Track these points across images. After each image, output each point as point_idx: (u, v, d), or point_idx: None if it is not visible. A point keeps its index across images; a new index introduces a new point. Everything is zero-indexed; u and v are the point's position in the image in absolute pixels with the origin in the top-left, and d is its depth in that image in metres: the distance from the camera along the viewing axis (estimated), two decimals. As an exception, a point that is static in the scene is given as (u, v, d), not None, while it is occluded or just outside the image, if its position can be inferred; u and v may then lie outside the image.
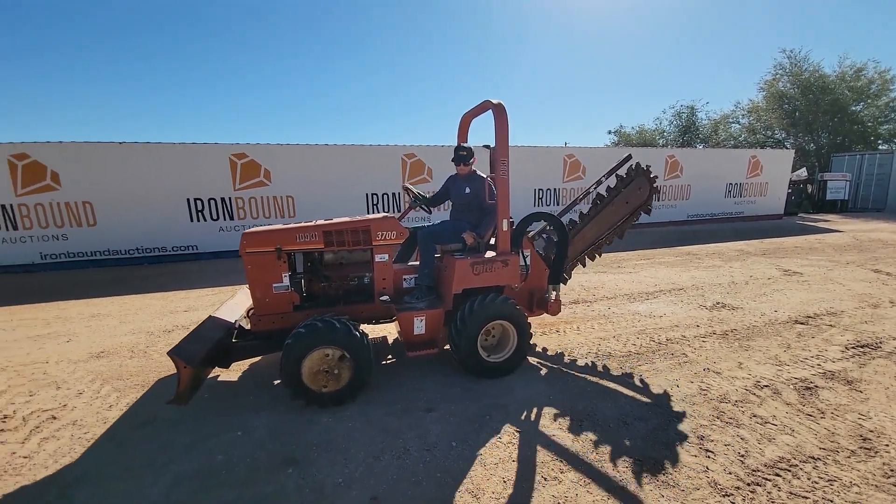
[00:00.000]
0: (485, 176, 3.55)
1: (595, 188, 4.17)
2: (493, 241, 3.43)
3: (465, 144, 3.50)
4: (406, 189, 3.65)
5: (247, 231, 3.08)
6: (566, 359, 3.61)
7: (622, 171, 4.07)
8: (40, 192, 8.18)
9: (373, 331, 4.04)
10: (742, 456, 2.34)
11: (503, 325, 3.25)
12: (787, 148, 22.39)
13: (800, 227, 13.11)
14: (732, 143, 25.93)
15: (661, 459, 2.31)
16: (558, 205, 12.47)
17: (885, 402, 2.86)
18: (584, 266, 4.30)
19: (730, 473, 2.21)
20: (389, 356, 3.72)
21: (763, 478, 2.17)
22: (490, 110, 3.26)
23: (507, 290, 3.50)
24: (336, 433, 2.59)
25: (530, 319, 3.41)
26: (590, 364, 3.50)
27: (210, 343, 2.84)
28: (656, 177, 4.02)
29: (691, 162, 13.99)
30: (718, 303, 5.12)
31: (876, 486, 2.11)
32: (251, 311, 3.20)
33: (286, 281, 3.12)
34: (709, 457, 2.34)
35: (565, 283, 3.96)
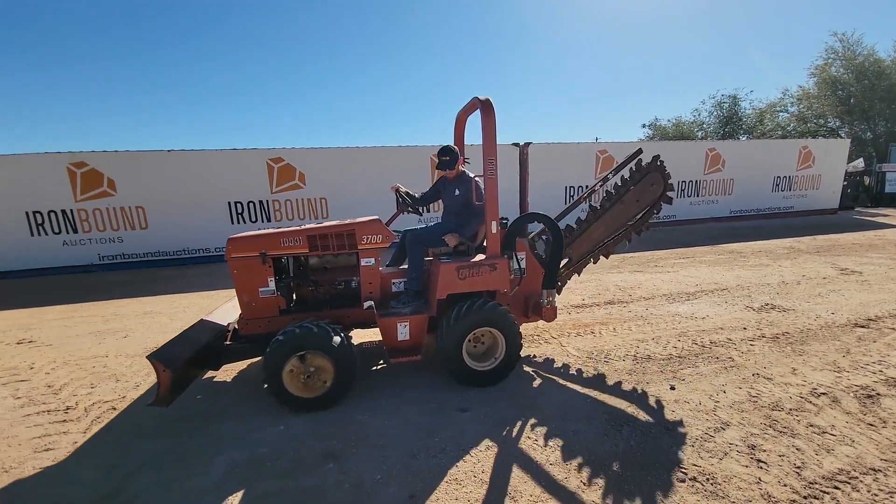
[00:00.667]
0: (472, 176, 3.45)
1: (601, 185, 3.97)
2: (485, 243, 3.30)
3: (449, 146, 3.39)
4: (395, 190, 3.56)
5: (232, 236, 3.11)
6: (602, 361, 3.51)
7: (632, 166, 3.81)
8: (98, 197, 8.82)
9: (371, 335, 4.06)
10: (798, 467, 2.20)
11: (492, 332, 3.13)
12: (841, 137, 20.78)
13: (857, 222, 12.14)
14: (780, 133, 24.35)
15: (709, 469, 2.21)
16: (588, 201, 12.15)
17: (963, 415, 2.61)
18: (594, 262, 3.97)
19: (784, 486, 2.08)
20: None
21: (821, 490, 2.04)
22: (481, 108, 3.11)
23: (499, 295, 3.34)
24: (372, 430, 2.64)
25: (528, 325, 3.32)
26: (628, 367, 3.39)
27: (195, 346, 2.87)
28: (668, 173, 3.66)
29: (734, 154, 13.25)
30: (767, 304, 4.83)
31: (955, 506, 1.93)
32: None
33: (272, 285, 3.12)
34: (761, 468, 2.21)
35: (558, 290, 3.67)
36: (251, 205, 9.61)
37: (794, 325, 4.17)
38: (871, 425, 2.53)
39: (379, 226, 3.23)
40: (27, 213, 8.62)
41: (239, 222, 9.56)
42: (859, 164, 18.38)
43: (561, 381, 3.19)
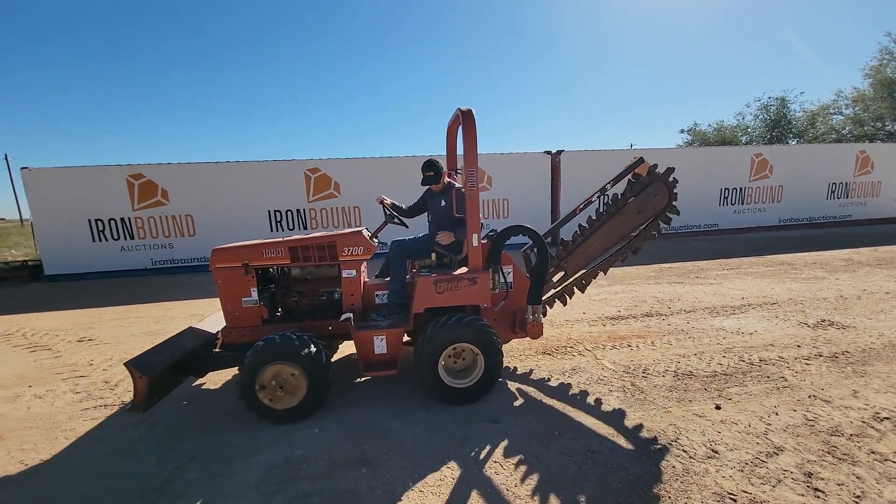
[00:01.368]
0: (457, 185, 3.40)
1: (598, 196, 3.73)
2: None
3: (432, 160, 3.36)
4: (381, 202, 3.54)
5: (216, 248, 3.16)
6: (640, 376, 3.38)
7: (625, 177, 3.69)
8: (152, 206, 9.49)
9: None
10: (857, 497, 2.02)
11: (471, 348, 3.01)
12: (904, 140, 19.19)
13: (928, 232, 11.10)
14: (834, 136, 22.76)
15: (760, 497, 2.07)
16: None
17: None
18: (594, 278, 3.76)
19: (847, 519, 1.91)
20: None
21: (891, 528, 1.86)
22: (479, 119, 3.01)
23: (485, 310, 3.23)
24: (404, 438, 2.66)
25: (561, 336, 3.21)
26: (668, 383, 3.24)
27: (177, 354, 2.91)
28: (676, 180, 3.48)
29: (783, 160, 12.51)
30: (824, 320, 4.49)
31: None
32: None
33: (254, 295, 3.15)
34: (818, 497, 2.05)
35: (551, 305, 3.53)
36: (289, 213, 10.02)
37: (855, 343, 3.85)
38: (949, 457, 2.29)
39: (360, 237, 3.20)
40: (90, 220, 9.38)
41: (278, 230, 9.98)
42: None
43: (595, 395, 3.09)
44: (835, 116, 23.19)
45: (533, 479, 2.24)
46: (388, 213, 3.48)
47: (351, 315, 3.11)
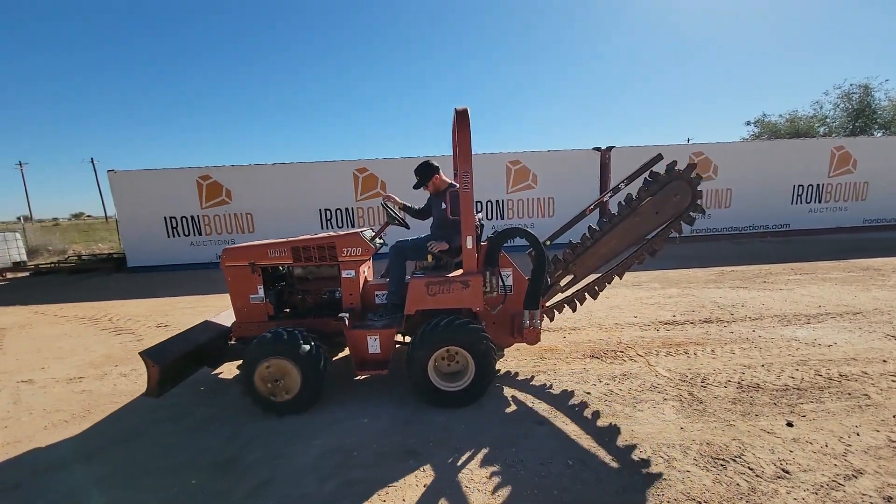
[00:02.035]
0: (452, 185, 3.28)
1: (610, 197, 3.49)
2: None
3: (421, 164, 3.39)
4: (384, 204, 3.54)
5: (227, 247, 3.34)
6: (699, 385, 3.19)
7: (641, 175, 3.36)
8: (218, 205, 10.28)
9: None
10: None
11: (462, 352, 2.95)
12: None
13: None
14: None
15: (838, 523, 1.89)
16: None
17: None
18: (608, 283, 3.55)
19: (949, 559, 1.70)
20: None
21: None
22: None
23: (483, 314, 3.18)
24: (451, 433, 2.70)
25: (610, 340, 3.06)
26: (731, 395, 3.03)
27: (190, 345, 3.12)
28: (699, 178, 3.23)
29: (868, 153, 11.22)
30: (919, 334, 3.99)
31: None
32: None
33: (261, 293, 3.29)
34: (912, 531, 1.83)
35: (537, 310, 3.20)
36: (338, 212, 10.45)
37: (960, 362, 3.38)
38: None
39: (358, 239, 3.26)
40: (165, 217, 10.33)
41: (327, 227, 10.44)
42: None
43: (649, 404, 2.96)
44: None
45: (583, 485, 2.19)
46: (389, 214, 3.50)
47: (346, 314, 3.16)
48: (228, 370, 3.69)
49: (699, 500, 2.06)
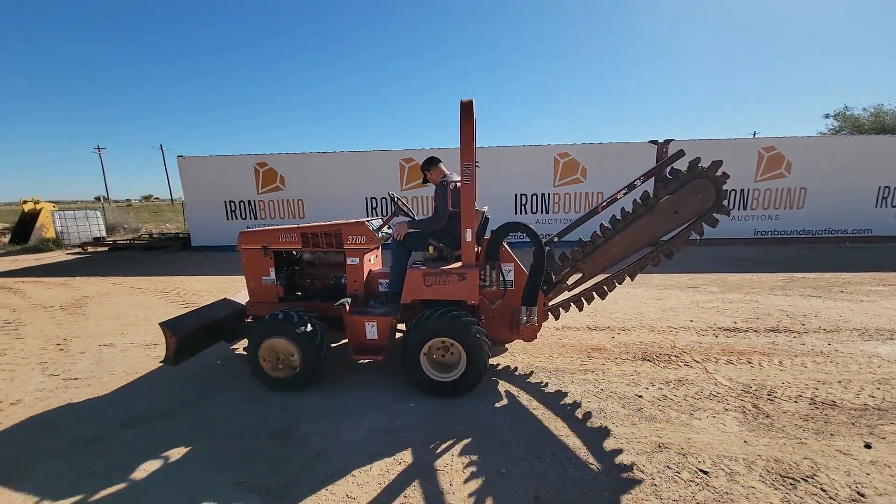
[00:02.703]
0: (451, 181, 3.21)
1: (625, 194, 3.25)
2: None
3: (430, 156, 3.42)
4: (391, 197, 3.53)
5: (242, 231, 3.50)
6: (765, 398, 2.96)
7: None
8: (272, 191, 10.81)
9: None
10: None
11: (456, 343, 2.93)
12: None
13: None
14: None
15: (933, 561, 1.69)
16: (744, 208, 10.33)
17: None
18: (619, 283, 3.37)
19: None
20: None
21: None
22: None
23: (482, 307, 3.20)
24: (495, 423, 2.70)
25: (663, 344, 2.88)
26: (803, 411, 2.79)
27: (207, 321, 3.33)
28: (726, 176, 2.96)
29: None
30: None
31: None
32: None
33: (272, 275, 3.45)
34: None
35: (534, 307, 3.15)
36: (384, 200, 10.65)
37: None
38: None
39: (363, 228, 3.31)
40: (225, 202, 11.01)
41: (371, 215, 10.69)
42: None
43: (707, 413, 2.79)
44: None
45: (637, 490, 2.11)
46: (394, 205, 3.52)
47: (347, 300, 3.21)
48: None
49: (766, 518, 1.92)
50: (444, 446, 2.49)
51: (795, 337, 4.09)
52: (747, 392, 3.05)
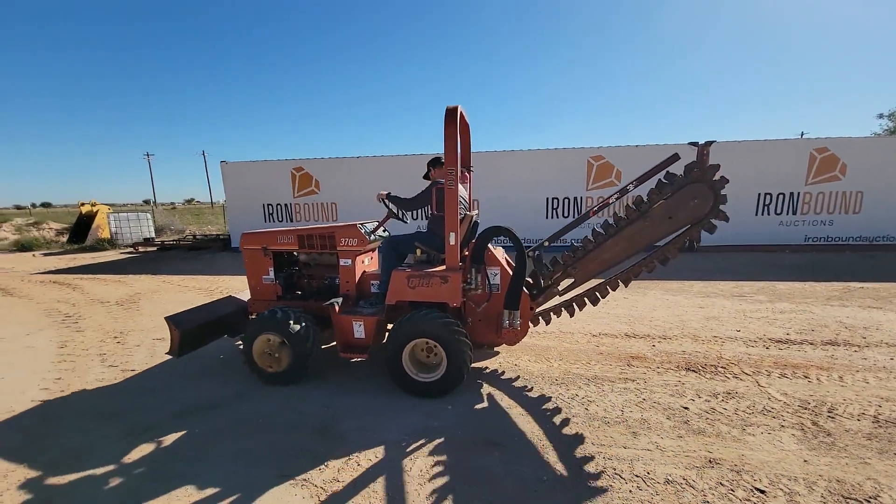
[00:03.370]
0: (438, 184, 3.20)
1: (617, 199, 3.20)
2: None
3: (434, 157, 3.49)
4: (381, 200, 3.52)
5: (244, 232, 3.68)
6: (825, 415, 2.77)
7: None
8: (308, 195, 11.14)
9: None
10: None
11: (435, 344, 2.99)
12: None
13: None
14: None
15: None
16: (793, 213, 9.75)
17: None
18: (612, 289, 3.28)
19: None
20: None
21: None
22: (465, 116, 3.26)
23: (468, 310, 3.27)
24: (531, 429, 2.66)
25: (708, 353, 2.73)
26: (865, 429, 2.59)
27: (212, 316, 3.52)
28: (724, 181, 2.90)
29: None
30: None
31: None
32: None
33: (271, 274, 3.63)
34: None
35: (517, 311, 3.15)
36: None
37: None
38: None
39: (355, 230, 3.43)
40: (264, 204, 11.45)
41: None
42: None
43: (762, 429, 2.64)
44: None
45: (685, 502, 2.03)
46: (388, 208, 3.53)
47: (338, 300, 3.33)
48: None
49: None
50: (482, 451, 2.47)
51: (856, 351, 3.81)
52: (805, 408, 2.86)
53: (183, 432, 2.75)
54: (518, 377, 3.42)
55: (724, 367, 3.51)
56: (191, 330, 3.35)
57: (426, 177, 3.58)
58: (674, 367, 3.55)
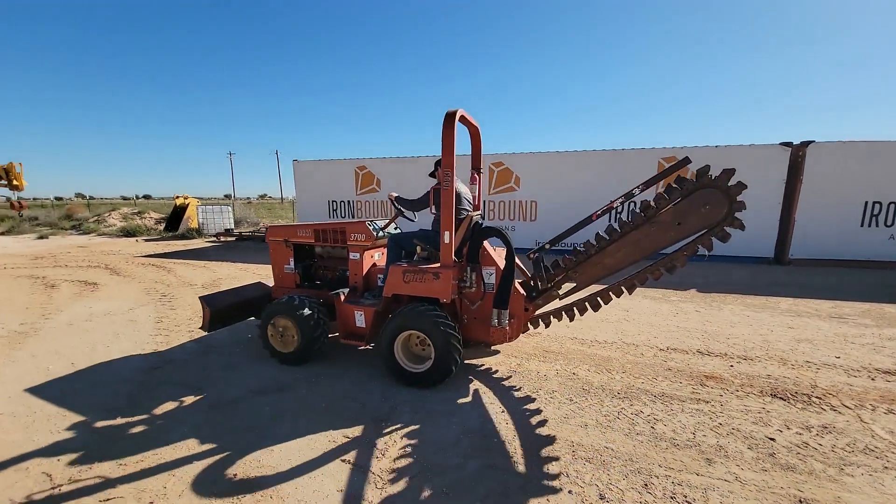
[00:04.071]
0: (435, 185, 3.33)
1: (622, 203, 3.12)
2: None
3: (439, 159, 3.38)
4: (391, 199, 3.71)
5: (270, 225, 4.08)
6: (953, 465, 2.34)
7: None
8: (368, 192, 11.61)
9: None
10: None
11: (424, 337, 3.16)
12: None
13: None
14: None
15: None
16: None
17: None
18: (616, 295, 3.22)
19: None
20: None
21: None
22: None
23: (464, 308, 3.42)
24: (592, 442, 2.54)
25: (805, 383, 2.37)
26: None
27: (240, 298, 3.99)
28: (741, 187, 2.72)
29: None
30: None
31: None
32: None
33: (292, 265, 4.02)
34: None
35: (505, 310, 3.18)
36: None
37: None
38: None
39: (363, 226, 3.69)
40: (329, 201, 12.09)
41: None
42: None
43: (863, 469, 2.29)
44: None
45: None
46: (395, 207, 3.70)
47: (344, 290, 3.67)
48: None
49: None
50: (539, 458, 2.41)
51: None
52: (924, 454, 2.44)
53: (259, 408, 2.99)
54: (581, 387, 3.29)
55: (820, 398, 3.11)
56: (220, 309, 3.82)
57: (432, 175, 3.68)
58: (756, 391, 3.20)
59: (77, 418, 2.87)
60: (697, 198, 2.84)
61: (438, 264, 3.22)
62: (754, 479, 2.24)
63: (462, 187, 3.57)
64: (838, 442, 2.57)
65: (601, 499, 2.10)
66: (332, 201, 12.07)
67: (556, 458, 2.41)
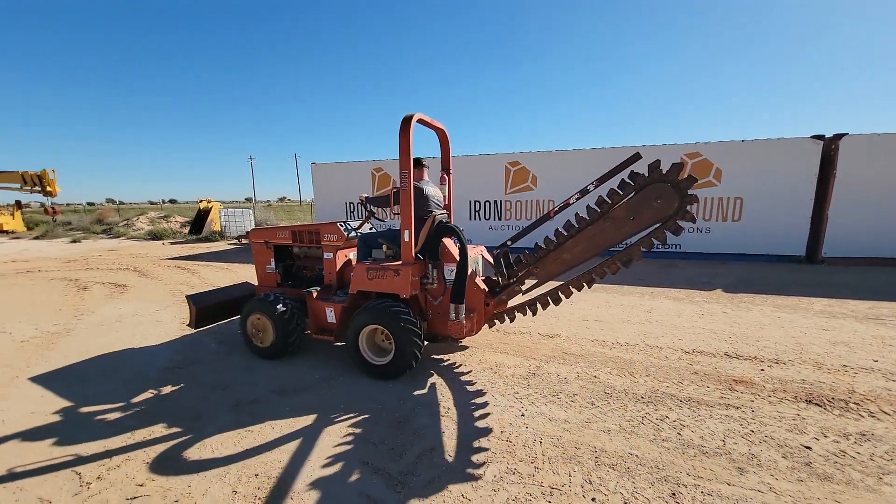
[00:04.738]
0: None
1: (578, 199, 3.30)
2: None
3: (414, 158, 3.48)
4: (362, 200, 3.88)
5: (252, 228, 4.07)
6: None
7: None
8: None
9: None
10: None
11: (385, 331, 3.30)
12: None
13: None
14: None
15: None
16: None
17: None
18: (577, 289, 3.32)
19: None
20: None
21: None
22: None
23: (428, 304, 3.52)
24: (617, 448, 2.47)
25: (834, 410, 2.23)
26: None
27: (225, 297, 4.23)
28: (691, 180, 2.79)
29: None
30: None
31: None
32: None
33: (273, 265, 4.21)
34: None
35: (462, 305, 3.30)
36: (487, 203, 10.70)
37: None
38: None
39: (335, 227, 3.84)
40: (346, 203, 12.20)
41: (475, 217, 10.82)
42: None
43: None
44: None
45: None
46: (366, 210, 3.90)
47: (316, 288, 3.78)
48: (438, 349, 4.20)
49: None
50: (560, 466, 2.36)
51: None
52: (977, 466, 2.28)
53: (280, 408, 3.03)
54: (603, 390, 3.21)
55: (858, 404, 2.95)
56: (206, 307, 4.06)
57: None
58: (790, 397, 3.06)
59: (104, 417, 2.97)
60: (649, 192, 2.89)
61: (400, 262, 3.37)
62: (789, 489, 2.13)
63: (430, 188, 3.73)
64: (877, 450, 2.43)
65: (626, 507, 2.04)
66: (349, 203, 12.19)
67: (579, 464, 2.36)
